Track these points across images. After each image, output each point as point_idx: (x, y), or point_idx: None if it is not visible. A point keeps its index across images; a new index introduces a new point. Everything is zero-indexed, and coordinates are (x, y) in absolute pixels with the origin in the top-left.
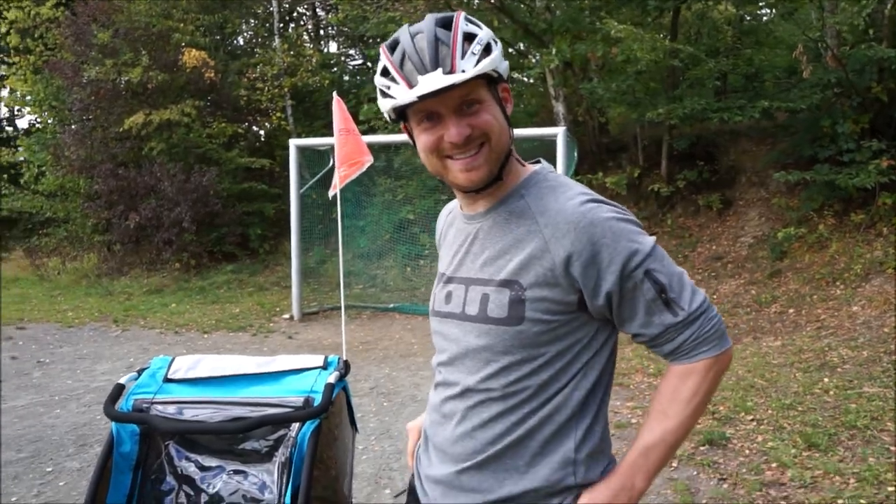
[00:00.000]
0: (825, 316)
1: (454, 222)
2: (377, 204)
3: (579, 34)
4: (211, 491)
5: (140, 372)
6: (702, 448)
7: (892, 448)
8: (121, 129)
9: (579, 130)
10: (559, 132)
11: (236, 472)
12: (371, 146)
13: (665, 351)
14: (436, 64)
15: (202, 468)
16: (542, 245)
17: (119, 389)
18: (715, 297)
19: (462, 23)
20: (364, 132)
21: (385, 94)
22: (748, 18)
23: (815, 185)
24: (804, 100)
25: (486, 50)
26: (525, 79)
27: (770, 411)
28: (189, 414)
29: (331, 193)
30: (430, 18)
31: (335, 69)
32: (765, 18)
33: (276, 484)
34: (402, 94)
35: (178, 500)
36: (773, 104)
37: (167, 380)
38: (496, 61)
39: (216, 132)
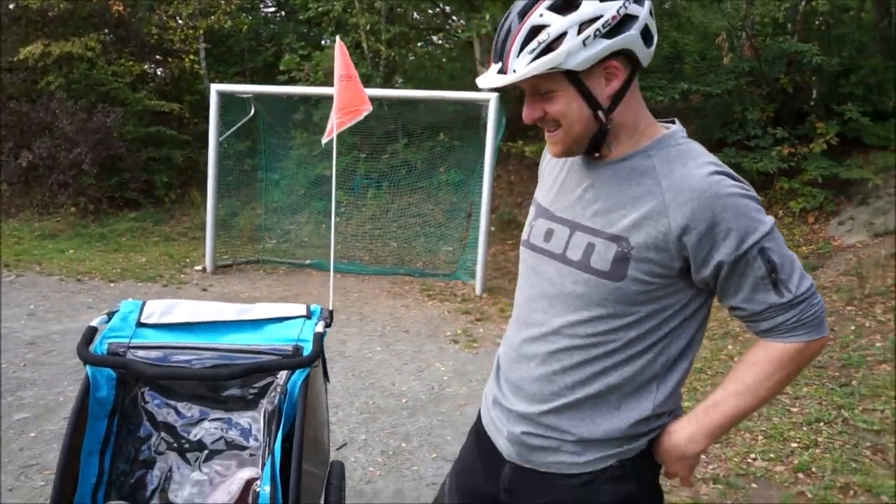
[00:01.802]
0: None
1: (569, 162)
2: (293, 158)
3: (510, 1)
4: (193, 438)
5: (110, 315)
6: None
7: (792, 409)
8: (14, 59)
9: (503, 98)
10: (492, 98)
11: (219, 419)
12: (290, 97)
13: (761, 328)
14: (499, 56)
15: (182, 415)
16: (660, 208)
17: (92, 332)
18: None
19: (537, 13)
20: (284, 83)
21: None
22: (665, 5)
23: None
24: (719, 85)
25: (552, 45)
26: (446, 45)
27: None
28: (170, 360)
29: (324, 140)
30: (520, 2)
31: (252, 15)
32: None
33: (262, 431)
34: (482, 76)
35: (156, 447)
36: (691, 87)
37: (140, 324)
38: (559, 58)
39: (122, 70)
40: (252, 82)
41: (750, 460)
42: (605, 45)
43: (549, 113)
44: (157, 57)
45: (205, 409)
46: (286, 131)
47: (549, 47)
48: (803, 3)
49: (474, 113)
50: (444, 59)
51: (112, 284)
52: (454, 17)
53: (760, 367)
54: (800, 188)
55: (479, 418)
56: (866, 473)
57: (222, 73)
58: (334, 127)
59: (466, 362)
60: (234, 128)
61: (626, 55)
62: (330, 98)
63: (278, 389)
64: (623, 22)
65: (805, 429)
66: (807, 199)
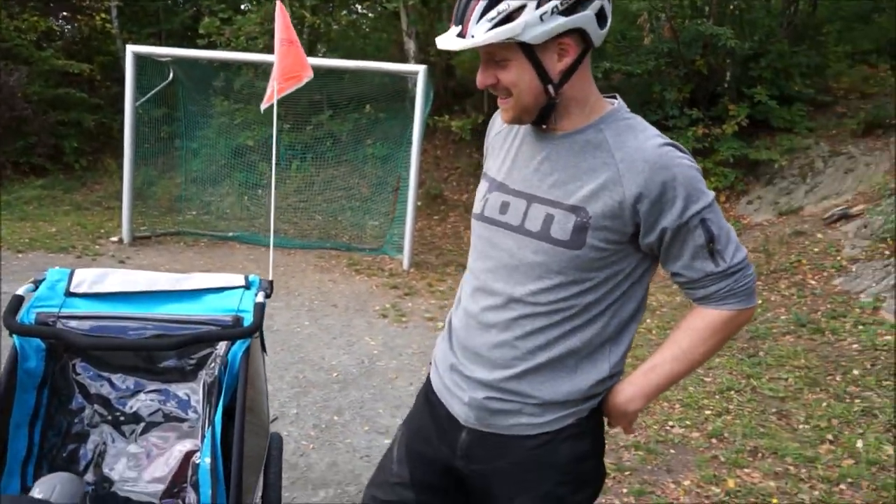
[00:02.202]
0: None
1: (520, 132)
2: (213, 126)
3: None
4: (128, 411)
5: (36, 284)
6: None
7: (706, 379)
8: None
9: (430, 71)
10: (420, 70)
11: (156, 391)
12: (210, 63)
13: (697, 295)
14: (460, 20)
15: (116, 387)
16: (615, 178)
17: (18, 301)
18: None
19: None
20: (204, 47)
21: None
22: None
23: None
24: (640, 65)
25: (511, 16)
26: (369, 14)
27: None
28: (104, 330)
29: (263, 106)
30: None
31: None
32: None
33: (201, 403)
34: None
35: (89, 420)
36: (613, 66)
37: (70, 293)
38: (515, 29)
39: (26, 27)
40: (168, 45)
41: (668, 427)
42: (560, 22)
43: (502, 81)
44: (65, 13)
45: (140, 381)
46: (206, 98)
47: (509, 17)
48: None
49: (401, 86)
50: (367, 30)
51: (20, 255)
52: None
53: (695, 333)
54: (713, 168)
55: (427, 384)
56: (773, 437)
57: (136, 34)
58: (275, 92)
59: (396, 336)
60: (152, 92)
61: (579, 34)
62: (252, 64)
63: (218, 360)
64: (580, 2)
65: (717, 397)
66: (719, 178)
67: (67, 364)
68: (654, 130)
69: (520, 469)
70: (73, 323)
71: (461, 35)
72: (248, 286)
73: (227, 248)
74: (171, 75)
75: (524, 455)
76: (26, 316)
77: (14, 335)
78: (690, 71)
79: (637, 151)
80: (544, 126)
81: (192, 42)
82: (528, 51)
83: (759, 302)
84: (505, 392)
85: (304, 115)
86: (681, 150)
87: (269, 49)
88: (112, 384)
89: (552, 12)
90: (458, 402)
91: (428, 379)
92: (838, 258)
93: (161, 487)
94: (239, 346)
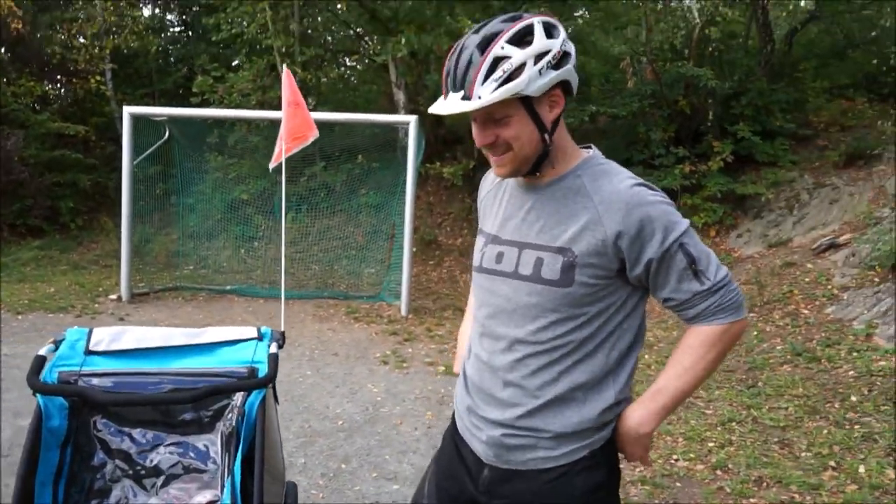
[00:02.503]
0: None
1: (507, 190)
2: (208, 181)
3: (423, 25)
4: (149, 464)
5: (56, 343)
6: None
7: (707, 411)
8: None
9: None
10: (411, 120)
11: (175, 443)
12: (204, 120)
13: (689, 315)
14: (461, 86)
15: (136, 441)
16: (595, 219)
17: (41, 361)
18: None
19: (499, 46)
20: (197, 105)
21: None
22: (569, 30)
23: None
24: (625, 107)
25: (513, 74)
26: (359, 67)
27: None
28: (124, 386)
29: (272, 165)
30: (477, 37)
31: (161, 34)
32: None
33: (219, 454)
34: (435, 105)
35: (111, 475)
36: (599, 109)
37: (90, 352)
38: (521, 85)
39: (22, 91)
40: (161, 104)
41: (672, 461)
42: (553, 76)
43: (502, 137)
44: (60, 77)
45: (160, 434)
46: (200, 154)
47: (511, 76)
48: (697, 31)
49: (391, 136)
50: (355, 82)
51: (20, 316)
52: (366, 39)
53: (694, 350)
54: (701, 203)
55: (452, 425)
56: (776, 466)
57: (130, 95)
58: (283, 152)
59: (398, 382)
60: (149, 151)
61: (563, 86)
62: (245, 120)
63: (235, 411)
64: (563, 56)
65: (719, 429)
66: (708, 213)
67: (88, 421)
68: (627, 173)
69: (538, 502)
70: (94, 380)
71: (466, 98)
72: (260, 338)
73: (226, 302)
74: (167, 133)
75: (542, 488)
76: (49, 375)
77: (38, 395)
78: (674, 111)
79: (613, 194)
80: (538, 174)
81: (185, 100)
82: (528, 104)
83: (755, 333)
84: (519, 429)
85: (298, 168)
86: (651, 189)
87: (261, 105)
88: (132, 439)
89: (547, 67)
90: (478, 441)
91: (452, 420)
92: (829, 287)
93: None
94: (255, 397)
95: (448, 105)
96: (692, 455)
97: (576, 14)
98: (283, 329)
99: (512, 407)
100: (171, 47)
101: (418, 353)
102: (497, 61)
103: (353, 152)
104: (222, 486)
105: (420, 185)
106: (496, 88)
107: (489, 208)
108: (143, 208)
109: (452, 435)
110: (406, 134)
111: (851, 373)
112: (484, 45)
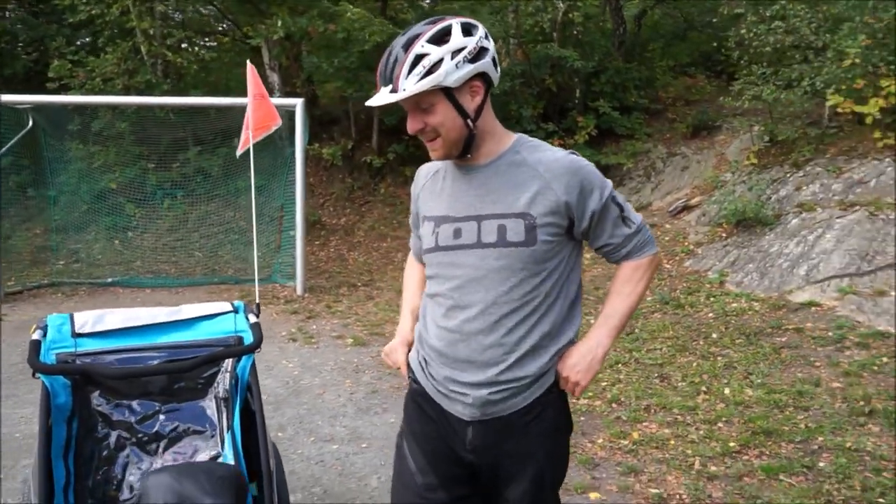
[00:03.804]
0: None
1: (446, 175)
2: (72, 171)
3: (296, 7)
4: (150, 431)
5: (43, 329)
6: None
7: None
8: None
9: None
10: (298, 103)
11: (172, 410)
12: (64, 107)
13: (621, 255)
14: (388, 81)
15: (135, 412)
16: (545, 184)
17: (37, 345)
18: None
19: (420, 45)
20: (55, 91)
21: None
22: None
23: None
24: (498, 86)
25: (433, 68)
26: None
27: None
28: (125, 361)
29: (238, 152)
30: (403, 38)
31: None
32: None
33: (216, 415)
34: (372, 99)
35: (116, 444)
36: None
37: (77, 334)
38: (439, 77)
39: None
40: (9, 91)
41: (573, 401)
42: (470, 68)
43: (430, 123)
44: None
45: (156, 403)
46: (61, 143)
47: (431, 70)
48: (561, 15)
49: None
50: (226, 63)
51: None
52: (231, 21)
53: (631, 279)
54: None
55: (414, 392)
56: (660, 396)
57: None
58: (250, 138)
59: (311, 357)
60: (13, 141)
61: (483, 77)
62: (110, 106)
63: (227, 376)
64: (480, 51)
65: (609, 370)
66: None
67: (88, 397)
68: (555, 147)
69: (519, 446)
70: (91, 359)
71: (393, 91)
72: (236, 311)
73: (110, 295)
74: (31, 122)
75: (522, 427)
76: (47, 357)
77: (42, 375)
78: (542, 89)
79: (555, 162)
80: (468, 156)
81: (38, 86)
82: (449, 94)
83: None
84: (502, 383)
85: (169, 153)
86: (578, 156)
87: (127, 89)
88: (131, 409)
89: (463, 61)
90: (462, 404)
91: (411, 391)
92: (686, 243)
93: None
94: (246, 361)
95: (379, 98)
96: (590, 393)
97: None
98: (258, 301)
99: (494, 366)
100: (19, 29)
101: (323, 328)
102: (418, 58)
103: (228, 136)
104: (222, 443)
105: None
106: (418, 81)
107: (430, 196)
108: None
109: (418, 404)
110: (282, 117)
111: (710, 315)
112: (407, 45)
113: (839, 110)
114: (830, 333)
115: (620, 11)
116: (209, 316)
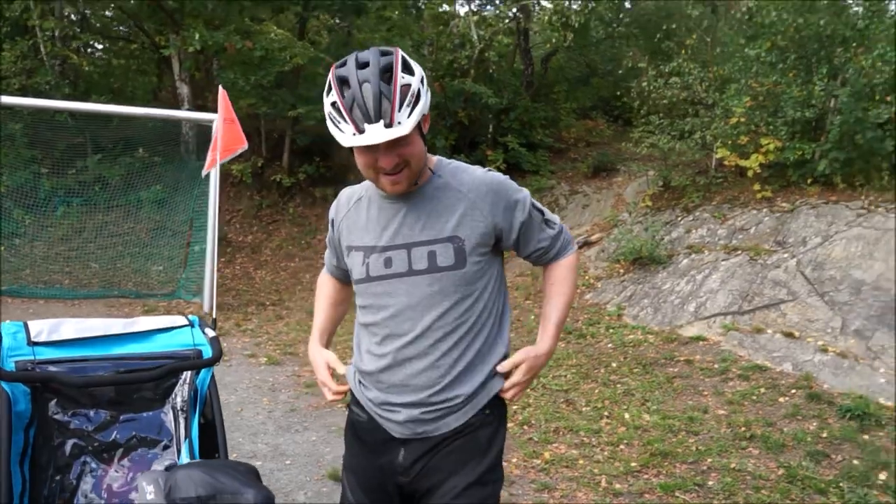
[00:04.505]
0: None
1: (370, 204)
2: None
3: (212, 21)
4: (107, 439)
5: None
6: None
7: None
8: None
9: None
10: (216, 118)
11: (129, 420)
12: None
13: (550, 256)
14: (379, 116)
15: (91, 420)
16: (470, 205)
17: None
18: None
19: (400, 76)
20: None
21: (334, 125)
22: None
23: None
24: None
25: (417, 98)
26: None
27: None
28: (83, 370)
29: (204, 172)
30: (375, 63)
31: None
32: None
33: (172, 425)
34: (349, 137)
35: (71, 452)
36: None
37: (33, 343)
38: (426, 106)
39: None
40: None
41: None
42: (429, 96)
43: (404, 155)
44: None
45: (113, 413)
46: None
47: (416, 100)
48: (476, 53)
49: (174, 130)
50: (135, 70)
51: None
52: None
53: (563, 279)
54: None
55: (351, 425)
56: (566, 419)
57: None
58: (217, 160)
59: (224, 375)
60: None
61: None
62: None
63: (186, 387)
64: (423, 79)
65: None
66: None
67: (46, 405)
68: (474, 166)
69: (450, 460)
70: (51, 368)
71: (389, 125)
72: (191, 325)
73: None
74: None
75: (455, 447)
76: (7, 364)
77: (1, 382)
78: (455, 122)
79: (476, 181)
80: (416, 184)
81: None
82: (419, 125)
83: (532, 317)
84: (436, 404)
85: (65, 159)
86: (496, 172)
87: (23, 90)
88: (88, 418)
89: (426, 88)
90: (394, 423)
91: (349, 421)
92: (586, 277)
93: None
94: (205, 374)
95: (376, 135)
96: None
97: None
98: (214, 317)
99: (428, 388)
100: None
101: (234, 346)
102: (404, 89)
103: (130, 145)
104: (178, 452)
105: (205, 182)
106: (410, 113)
107: (355, 226)
108: None
109: (355, 434)
110: (191, 129)
111: (610, 345)
112: (386, 76)
113: (725, 162)
114: (716, 366)
115: (529, 53)
116: (165, 329)
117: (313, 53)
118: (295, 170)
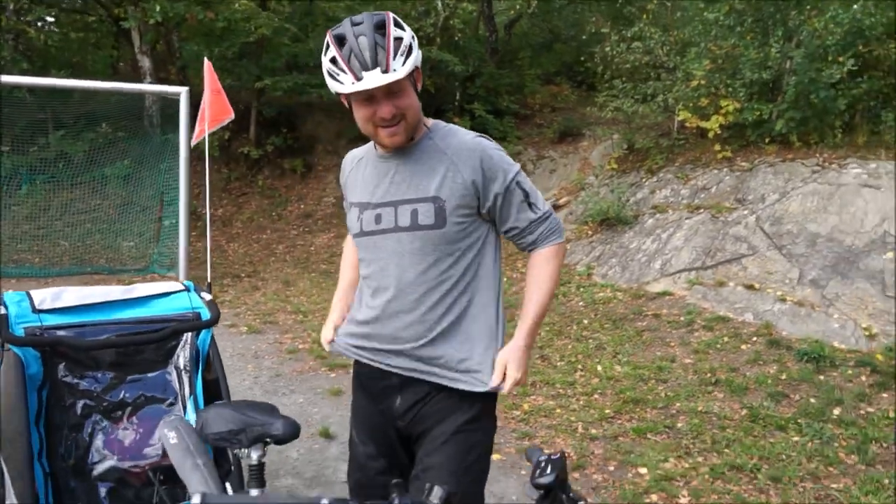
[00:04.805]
0: None
1: (367, 163)
2: None
3: None
4: (115, 399)
5: (3, 305)
6: None
7: None
8: None
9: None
10: (182, 91)
11: (135, 380)
12: None
13: (528, 241)
14: (375, 64)
15: (99, 381)
16: (452, 168)
17: (5, 319)
18: (312, 248)
19: (392, 28)
20: None
21: (333, 78)
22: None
23: None
24: None
25: (410, 50)
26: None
27: None
28: (90, 334)
29: (193, 142)
30: (369, 21)
31: None
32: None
33: (177, 384)
34: (349, 86)
35: (83, 412)
36: None
37: (38, 310)
38: (418, 58)
39: None
40: None
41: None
42: (419, 54)
43: (401, 106)
44: None
45: (120, 374)
46: None
47: (410, 51)
48: (441, 21)
49: (138, 104)
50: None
51: None
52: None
53: (542, 269)
54: None
55: (357, 375)
56: (542, 374)
57: None
58: (206, 130)
59: None
60: None
61: None
62: None
63: (187, 348)
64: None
65: None
66: None
67: (55, 368)
68: (466, 130)
69: (440, 407)
70: (59, 333)
71: (385, 72)
72: (187, 289)
73: None
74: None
75: (443, 406)
76: (16, 330)
77: (13, 347)
78: (421, 90)
79: (461, 145)
80: (412, 139)
81: None
82: (411, 77)
83: (505, 279)
84: (423, 359)
85: (26, 136)
86: (489, 139)
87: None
88: (96, 380)
89: (417, 45)
90: (393, 357)
91: (355, 373)
92: None
93: (157, 454)
94: (205, 335)
95: (374, 80)
96: None
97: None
98: (209, 281)
99: (415, 340)
100: None
101: None
102: (398, 40)
103: (93, 120)
104: (184, 409)
105: (173, 156)
106: (405, 62)
107: (354, 184)
108: None
109: (361, 382)
110: (154, 103)
111: (581, 304)
112: (380, 28)
113: (686, 124)
114: (682, 318)
115: (493, 20)
116: (163, 294)
117: (278, 24)
118: (262, 142)
